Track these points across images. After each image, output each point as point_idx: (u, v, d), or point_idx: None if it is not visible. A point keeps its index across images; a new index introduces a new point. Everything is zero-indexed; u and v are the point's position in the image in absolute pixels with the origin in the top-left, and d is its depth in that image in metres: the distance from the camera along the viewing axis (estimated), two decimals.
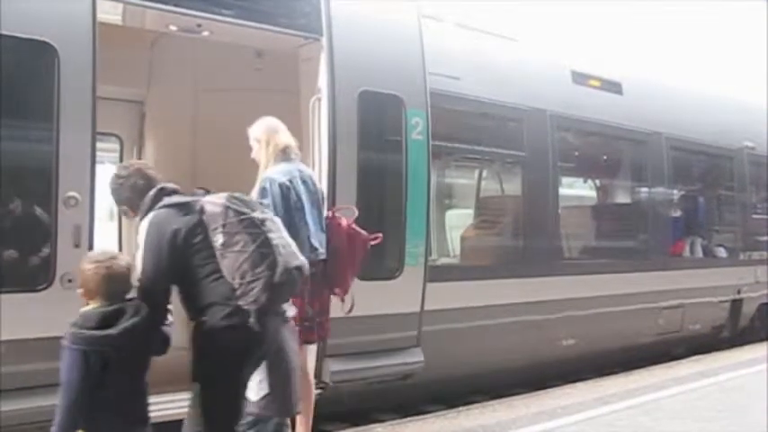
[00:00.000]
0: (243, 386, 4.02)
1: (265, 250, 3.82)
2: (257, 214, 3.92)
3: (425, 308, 6.88)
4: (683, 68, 11.64)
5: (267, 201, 5.02)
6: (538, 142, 8.41)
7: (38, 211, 5.06)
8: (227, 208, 3.89)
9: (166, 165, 7.16)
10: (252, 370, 4.05)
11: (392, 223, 6.79)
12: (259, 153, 5.33)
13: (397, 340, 6.76)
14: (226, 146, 7.09)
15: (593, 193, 10.57)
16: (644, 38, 14.39)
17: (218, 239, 3.82)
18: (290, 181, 5.12)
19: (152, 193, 4.05)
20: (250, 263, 3.78)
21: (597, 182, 10.50)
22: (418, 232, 6.86)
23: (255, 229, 3.85)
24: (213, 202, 3.92)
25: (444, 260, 8.31)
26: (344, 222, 5.37)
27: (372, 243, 5.43)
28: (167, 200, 3.99)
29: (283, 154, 5.27)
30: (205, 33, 6.35)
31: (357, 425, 6.57)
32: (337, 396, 6.46)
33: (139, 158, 8.52)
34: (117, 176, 4.26)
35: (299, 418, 5.23)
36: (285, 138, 5.34)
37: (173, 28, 6.34)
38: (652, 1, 18.17)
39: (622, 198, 10.93)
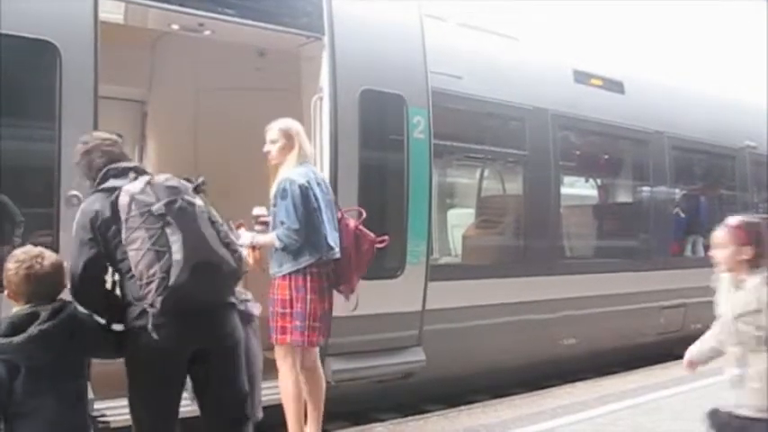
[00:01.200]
0: (166, 388, 3.67)
1: (161, 249, 3.46)
2: (157, 206, 3.49)
3: (427, 307, 6.89)
4: (684, 68, 11.62)
5: (287, 201, 5.07)
6: (539, 141, 8.41)
7: (40, 210, 5.06)
8: (132, 199, 3.52)
9: (168, 164, 7.19)
10: (184, 370, 3.70)
11: (394, 222, 6.79)
12: (284, 150, 5.31)
13: (398, 339, 6.77)
14: (228, 145, 7.11)
15: (595, 193, 10.56)
16: (645, 37, 14.38)
17: (123, 235, 3.52)
18: (308, 182, 5.17)
19: (101, 174, 3.72)
20: (145, 263, 3.44)
21: (599, 181, 10.49)
22: (420, 231, 6.86)
23: (154, 223, 3.48)
24: (127, 191, 3.55)
25: (446, 259, 8.32)
26: (352, 224, 5.39)
27: (379, 246, 5.42)
28: (111, 183, 3.67)
29: (304, 158, 5.34)
30: (207, 33, 6.36)
31: (358, 424, 6.57)
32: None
33: (141, 158, 8.55)
34: (78, 152, 3.86)
35: (310, 415, 5.32)
36: (308, 143, 5.46)
37: (174, 27, 6.34)
38: (653, 1, 18.16)
39: (624, 197, 10.92)
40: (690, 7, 18.71)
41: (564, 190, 9.15)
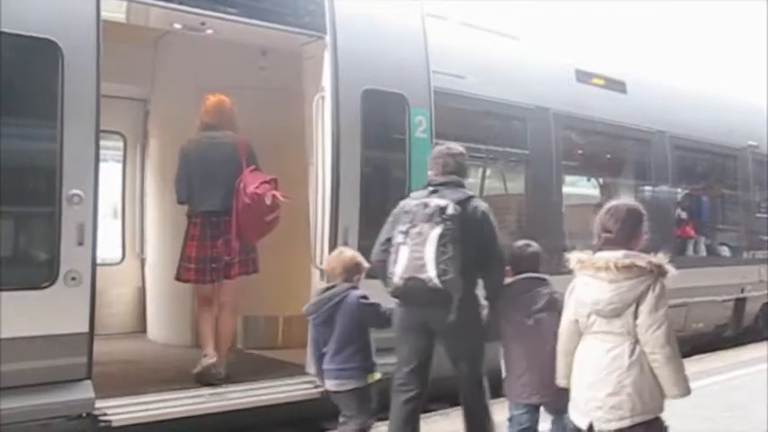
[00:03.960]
0: (410, 354, 4.89)
1: (394, 257, 4.65)
2: (402, 228, 4.66)
3: None
4: (686, 68, 11.60)
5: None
6: (541, 141, 8.40)
7: (41, 208, 5.06)
8: (400, 211, 4.80)
9: (170, 163, 7.18)
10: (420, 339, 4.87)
11: None
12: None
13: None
14: None
15: (597, 192, 10.54)
16: (648, 37, 14.36)
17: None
18: (195, 146, 6.48)
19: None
20: (391, 259, 4.70)
21: (601, 180, 10.48)
22: None
23: (396, 238, 4.69)
24: (408, 200, 4.89)
25: None
26: (251, 188, 6.17)
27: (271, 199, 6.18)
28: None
29: (203, 125, 6.58)
30: (209, 31, 6.36)
31: None
32: None
33: (143, 157, 8.56)
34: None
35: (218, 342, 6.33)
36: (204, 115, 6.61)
37: (177, 26, 6.35)
38: (656, 0, 18.15)
39: (626, 197, 10.89)
40: (692, 7, 18.70)
41: (566, 189, 9.14)
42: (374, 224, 6.56)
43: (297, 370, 6.51)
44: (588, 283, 3.93)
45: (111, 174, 8.57)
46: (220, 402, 5.83)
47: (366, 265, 5.00)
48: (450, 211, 4.60)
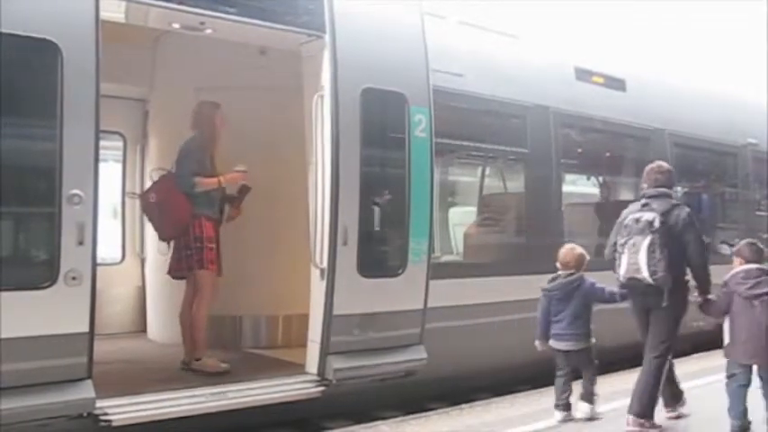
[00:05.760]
0: (641, 328, 6.20)
1: (618, 261, 5.92)
2: (621, 241, 5.89)
3: (428, 305, 6.88)
4: (686, 65, 11.60)
5: None
6: (541, 139, 8.41)
7: (42, 209, 5.06)
8: (621, 222, 5.99)
9: (170, 163, 7.20)
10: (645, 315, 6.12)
11: (395, 220, 6.80)
12: None
13: (400, 337, 6.77)
14: (229, 143, 7.11)
15: (596, 190, 10.55)
16: (647, 35, 14.36)
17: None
18: None
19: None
20: (617, 263, 5.96)
21: (600, 179, 10.48)
22: (421, 229, 6.86)
23: (618, 249, 5.90)
24: (627, 212, 6.05)
25: (447, 257, 8.31)
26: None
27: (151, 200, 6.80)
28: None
29: None
30: (208, 31, 6.36)
31: (360, 422, 6.57)
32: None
33: (143, 156, 8.56)
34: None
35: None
36: None
37: (176, 26, 6.35)
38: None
39: (625, 195, 10.90)
40: (691, 5, 18.71)
41: (565, 188, 9.14)
42: (374, 223, 6.57)
43: (297, 369, 6.53)
44: None
45: (110, 174, 8.57)
46: (221, 402, 5.84)
47: (588, 258, 6.50)
48: (656, 224, 5.77)
